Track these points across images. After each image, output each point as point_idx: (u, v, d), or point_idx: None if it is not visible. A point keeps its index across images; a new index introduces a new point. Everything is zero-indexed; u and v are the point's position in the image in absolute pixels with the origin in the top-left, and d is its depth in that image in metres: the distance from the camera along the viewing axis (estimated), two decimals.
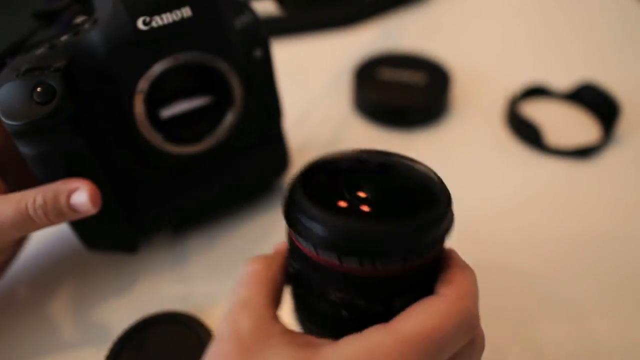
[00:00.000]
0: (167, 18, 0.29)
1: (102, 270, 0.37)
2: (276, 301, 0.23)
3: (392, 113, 0.48)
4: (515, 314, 0.34)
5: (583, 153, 0.44)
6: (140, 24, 0.29)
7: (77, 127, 0.29)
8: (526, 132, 0.45)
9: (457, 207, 0.41)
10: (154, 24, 0.29)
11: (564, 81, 0.50)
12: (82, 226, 0.33)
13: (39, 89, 0.27)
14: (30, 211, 0.28)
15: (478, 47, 0.57)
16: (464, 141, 0.46)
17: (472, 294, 0.22)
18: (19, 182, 0.32)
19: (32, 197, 0.28)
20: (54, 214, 0.29)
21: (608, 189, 0.42)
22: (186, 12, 0.30)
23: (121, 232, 0.35)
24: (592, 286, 0.35)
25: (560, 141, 0.45)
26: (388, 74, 0.50)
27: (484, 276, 0.36)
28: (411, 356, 0.20)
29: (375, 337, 0.20)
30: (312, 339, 0.22)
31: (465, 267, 0.24)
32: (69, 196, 0.29)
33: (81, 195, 0.29)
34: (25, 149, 0.28)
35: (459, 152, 0.45)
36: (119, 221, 0.34)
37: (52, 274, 0.37)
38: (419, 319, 0.21)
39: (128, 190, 0.34)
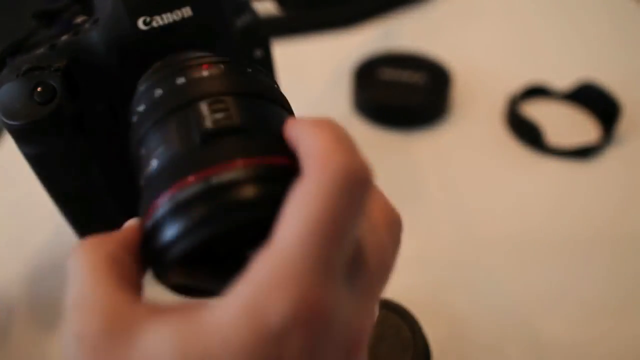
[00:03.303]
0: (168, 18, 0.29)
1: None
2: (130, 281, 0.19)
3: (392, 113, 0.48)
4: (515, 314, 0.34)
5: (583, 153, 0.44)
6: (140, 23, 0.29)
7: (78, 127, 0.29)
8: (526, 132, 0.45)
9: (457, 207, 0.41)
10: (154, 24, 0.29)
11: (564, 81, 0.50)
12: (83, 226, 0.33)
13: (39, 89, 0.27)
14: None
15: (478, 47, 0.57)
16: (464, 141, 0.46)
17: (338, 147, 0.17)
18: None
19: None
20: None
21: (608, 189, 0.42)
22: (187, 11, 0.29)
23: None
24: (592, 286, 0.35)
25: (560, 141, 0.45)
26: (388, 74, 0.50)
27: (483, 276, 0.36)
28: (315, 262, 0.15)
29: (263, 271, 0.15)
30: (195, 302, 0.18)
31: (314, 125, 0.19)
32: None
33: None
34: (25, 149, 0.28)
35: (459, 152, 0.45)
36: (119, 221, 0.34)
37: (52, 274, 0.37)
38: (297, 218, 0.16)
39: (128, 190, 0.34)
